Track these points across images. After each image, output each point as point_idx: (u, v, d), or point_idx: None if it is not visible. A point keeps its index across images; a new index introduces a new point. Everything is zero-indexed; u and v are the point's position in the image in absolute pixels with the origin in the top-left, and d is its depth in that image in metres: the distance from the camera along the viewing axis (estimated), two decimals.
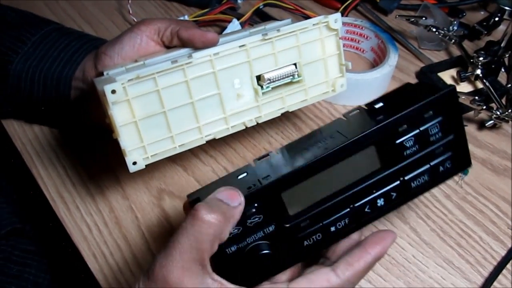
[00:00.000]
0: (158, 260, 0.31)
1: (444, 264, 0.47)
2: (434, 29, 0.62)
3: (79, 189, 0.52)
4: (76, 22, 0.72)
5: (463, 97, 0.54)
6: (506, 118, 0.54)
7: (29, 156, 0.55)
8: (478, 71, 0.59)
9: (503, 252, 0.47)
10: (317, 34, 0.42)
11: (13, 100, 0.51)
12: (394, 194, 0.37)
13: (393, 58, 0.59)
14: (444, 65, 0.63)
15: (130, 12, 0.67)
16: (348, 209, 0.36)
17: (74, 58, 0.48)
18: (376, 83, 0.58)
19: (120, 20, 0.72)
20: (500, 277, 0.45)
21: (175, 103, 0.38)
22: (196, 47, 0.43)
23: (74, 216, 0.50)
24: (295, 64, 0.42)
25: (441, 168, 0.38)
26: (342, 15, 0.69)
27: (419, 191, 0.38)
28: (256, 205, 0.33)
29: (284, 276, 0.36)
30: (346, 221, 0.36)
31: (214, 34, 0.43)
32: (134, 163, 0.37)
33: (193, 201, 0.34)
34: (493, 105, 0.55)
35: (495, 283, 0.45)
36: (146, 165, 0.38)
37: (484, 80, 0.57)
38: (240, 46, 0.39)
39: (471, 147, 0.56)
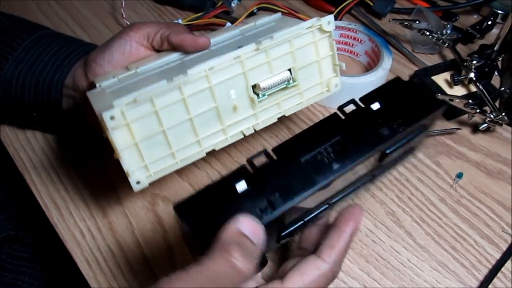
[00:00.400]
0: (166, 285, 0.27)
1: (439, 267, 0.47)
2: (427, 33, 0.62)
3: (72, 194, 0.51)
4: (69, 25, 0.71)
5: (457, 100, 0.54)
6: (500, 121, 0.54)
7: (21, 161, 0.54)
8: (472, 75, 0.59)
9: (497, 256, 0.47)
10: (310, 38, 0.42)
11: (5, 106, 0.50)
12: (362, 186, 0.39)
13: (387, 62, 0.59)
14: (438, 69, 0.64)
15: (124, 15, 0.67)
16: (327, 205, 0.37)
17: (65, 63, 0.48)
18: (370, 87, 0.57)
19: (113, 23, 0.72)
20: (495, 280, 0.45)
21: (174, 121, 0.38)
22: (187, 52, 0.43)
23: (68, 222, 0.49)
24: (289, 70, 0.42)
25: (402, 159, 0.40)
26: (336, 19, 0.69)
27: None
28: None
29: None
30: (320, 212, 0.37)
31: (205, 39, 0.43)
32: (138, 182, 0.37)
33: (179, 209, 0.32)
34: (486, 108, 0.55)
35: (490, 286, 0.45)
36: (149, 183, 0.38)
37: (478, 84, 0.57)
38: (234, 58, 0.39)
39: (465, 150, 0.56)
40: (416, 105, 0.36)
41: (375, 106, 0.36)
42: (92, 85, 0.44)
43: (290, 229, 0.36)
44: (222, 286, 0.27)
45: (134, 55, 0.45)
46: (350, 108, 0.36)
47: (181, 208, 0.32)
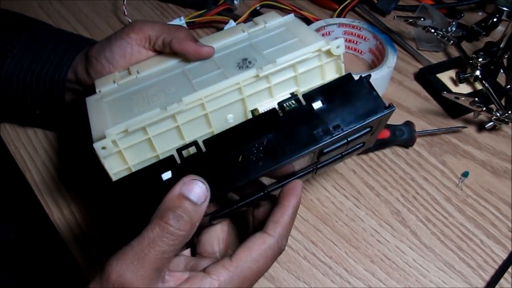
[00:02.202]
0: (114, 262, 0.30)
1: (445, 268, 0.46)
2: (432, 30, 0.62)
3: (74, 194, 0.51)
4: (71, 24, 0.71)
5: (462, 98, 0.53)
6: (506, 120, 0.54)
7: (22, 160, 0.54)
8: (477, 72, 0.58)
9: (504, 255, 0.47)
10: (316, 62, 0.39)
11: (6, 104, 0.50)
12: (304, 178, 0.39)
13: (391, 60, 0.58)
14: (443, 67, 0.63)
15: (126, 13, 0.67)
16: (262, 193, 0.37)
17: (64, 60, 0.47)
18: (374, 85, 0.57)
19: (115, 21, 0.72)
20: (501, 280, 0.45)
21: (168, 147, 0.37)
22: (189, 60, 0.42)
23: (69, 221, 0.49)
24: (291, 93, 0.40)
25: (348, 156, 0.40)
26: (340, 16, 0.68)
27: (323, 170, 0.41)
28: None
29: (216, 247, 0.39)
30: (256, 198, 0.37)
31: (209, 49, 0.41)
32: None
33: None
34: (492, 106, 0.55)
35: (496, 287, 0.44)
36: None
37: (483, 81, 0.57)
38: (232, 85, 0.37)
39: (471, 149, 0.55)
40: (360, 107, 0.35)
41: (317, 105, 0.35)
42: (92, 85, 0.44)
43: (219, 214, 0.36)
44: (160, 249, 0.29)
45: (135, 57, 0.44)
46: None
47: (114, 190, 0.34)
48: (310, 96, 0.35)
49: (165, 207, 0.30)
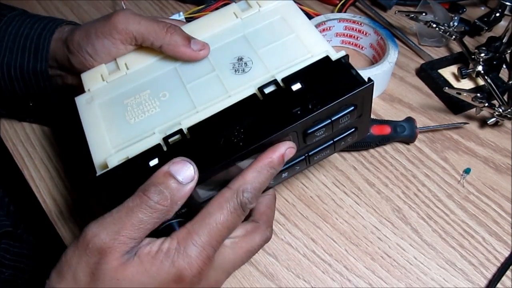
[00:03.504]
0: (92, 225, 0.31)
1: (447, 265, 0.45)
2: (434, 25, 0.61)
3: (72, 191, 0.51)
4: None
5: (464, 94, 0.53)
6: (509, 116, 0.53)
7: (20, 157, 0.54)
8: (480, 68, 0.57)
9: (506, 253, 0.46)
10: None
11: (1, 99, 0.49)
12: (298, 167, 0.39)
13: (392, 55, 0.57)
14: (445, 62, 0.62)
15: (124, 8, 0.66)
16: None
17: (41, 46, 0.46)
18: (376, 81, 0.56)
19: None
20: (504, 278, 0.44)
21: None
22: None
23: (67, 218, 0.49)
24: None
25: (342, 143, 0.39)
26: (340, 11, 0.68)
27: (318, 160, 0.40)
28: None
29: None
30: None
31: (204, 51, 0.40)
32: None
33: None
34: (495, 102, 0.54)
35: (498, 285, 0.44)
36: None
37: (486, 77, 0.56)
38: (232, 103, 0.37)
39: (472, 145, 0.55)
40: (338, 85, 0.35)
41: (296, 86, 0.36)
42: (77, 73, 0.43)
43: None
44: (136, 219, 0.30)
45: (122, 52, 0.42)
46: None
47: (102, 179, 0.35)
48: (289, 79, 0.36)
49: (150, 182, 0.31)
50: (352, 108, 0.36)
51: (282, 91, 0.36)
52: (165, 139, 0.35)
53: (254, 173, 0.34)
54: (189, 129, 0.36)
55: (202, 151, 0.34)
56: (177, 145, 0.35)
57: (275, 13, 0.42)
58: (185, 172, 0.32)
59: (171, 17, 0.66)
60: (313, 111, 0.34)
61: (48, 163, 0.53)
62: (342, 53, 0.37)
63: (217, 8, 0.67)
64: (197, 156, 0.33)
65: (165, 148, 0.35)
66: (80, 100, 0.41)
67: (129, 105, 0.39)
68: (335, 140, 0.39)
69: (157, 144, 0.35)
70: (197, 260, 0.31)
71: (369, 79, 0.35)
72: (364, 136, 0.42)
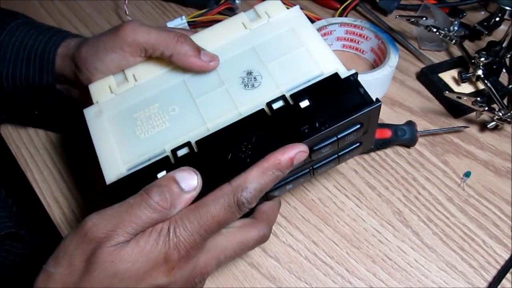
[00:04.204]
0: (93, 215, 0.32)
1: (447, 268, 0.46)
2: (434, 29, 0.61)
3: (75, 193, 0.51)
4: (72, 23, 0.71)
5: (465, 98, 0.53)
6: (508, 119, 0.53)
7: (23, 159, 0.54)
8: (480, 72, 0.58)
9: (506, 256, 0.47)
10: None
11: (6, 107, 0.50)
12: (302, 179, 0.39)
13: (393, 59, 0.58)
14: (445, 66, 0.63)
15: (127, 12, 0.66)
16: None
17: (46, 58, 0.45)
18: (376, 84, 0.57)
19: (117, 20, 0.71)
20: (504, 281, 0.45)
21: None
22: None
23: (70, 221, 0.49)
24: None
25: (346, 156, 0.40)
26: (342, 15, 0.68)
27: (322, 172, 0.41)
28: None
29: None
30: None
31: (214, 63, 0.40)
32: None
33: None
34: (495, 106, 0.54)
35: (498, 287, 0.44)
36: None
37: (486, 81, 0.56)
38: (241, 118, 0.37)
39: (473, 149, 0.55)
40: (346, 104, 0.35)
41: (304, 103, 0.36)
42: (85, 89, 0.42)
43: None
44: (135, 215, 0.31)
45: (131, 65, 0.42)
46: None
47: (110, 190, 0.36)
48: (298, 95, 0.36)
49: (154, 184, 0.33)
50: (359, 126, 0.36)
51: (290, 108, 0.36)
52: (173, 151, 0.36)
53: (258, 173, 0.33)
54: (197, 142, 0.36)
55: (209, 165, 0.35)
56: (184, 158, 0.36)
57: (284, 24, 0.42)
58: (189, 180, 0.33)
59: (173, 21, 0.67)
60: (320, 130, 0.34)
61: (51, 166, 0.53)
62: (352, 71, 0.37)
63: (219, 12, 0.67)
64: (204, 170, 0.34)
65: (173, 161, 0.36)
66: (88, 113, 0.40)
67: (139, 119, 0.39)
68: (339, 154, 0.39)
69: (166, 156, 0.36)
70: (185, 243, 0.32)
71: (377, 100, 0.35)
72: (368, 149, 0.42)
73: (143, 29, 0.41)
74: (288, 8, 0.43)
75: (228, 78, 0.40)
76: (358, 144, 0.39)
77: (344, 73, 0.37)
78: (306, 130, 0.35)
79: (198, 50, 0.40)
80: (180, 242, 0.32)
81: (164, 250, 0.31)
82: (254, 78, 0.39)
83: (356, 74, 0.37)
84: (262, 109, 0.36)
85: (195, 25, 0.68)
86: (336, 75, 0.37)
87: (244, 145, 0.35)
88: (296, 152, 0.34)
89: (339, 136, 0.36)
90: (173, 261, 0.32)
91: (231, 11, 0.69)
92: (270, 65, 0.40)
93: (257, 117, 0.36)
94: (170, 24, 0.66)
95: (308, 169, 0.39)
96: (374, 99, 0.35)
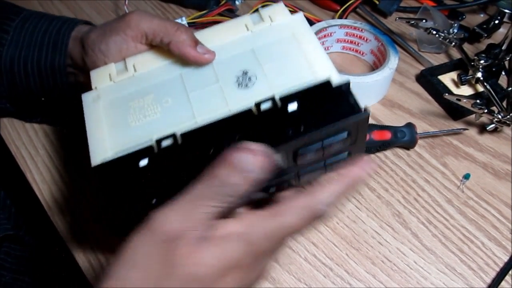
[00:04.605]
0: (159, 217, 0.30)
1: (446, 270, 0.46)
2: (434, 32, 0.61)
3: (75, 194, 0.51)
4: None
5: (464, 100, 0.53)
6: (508, 122, 0.54)
7: (23, 160, 0.54)
8: (479, 74, 0.58)
9: (505, 258, 0.47)
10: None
11: (12, 94, 0.50)
12: (287, 184, 0.39)
13: (393, 61, 0.58)
14: (445, 68, 0.63)
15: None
16: None
17: (59, 43, 0.47)
18: (376, 86, 0.58)
19: None
20: (503, 283, 0.45)
21: None
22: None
23: (70, 221, 0.49)
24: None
25: (334, 166, 0.39)
26: (341, 17, 0.68)
27: (309, 179, 0.40)
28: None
29: None
30: None
31: (209, 56, 0.40)
32: None
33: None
34: (494, 108, 0.55)
35: None
36: None
37: (485, 83, 0.57)
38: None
39: (472, 151, 0.55)
40: (333, 111, 0.35)
41: (292, 107, 0.36)
42: (87, 71, 0.44)
43: None
44: (204, 205, 0.30)
45: (132, 51, 0.43)
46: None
47: (95, 171, 0.36)
48: (287, 98, 0.36)
49: (216, 168, 0.31)
50: (346, 135, 0.36)
51: (277, 110, 0.36)
52: (158, 141, 0.36)
53: (340, 188, 0.32)
54: (182, 135, 0.36)
55: (190, 158, 0.35)
56: (168, 149, 0.36)
57: (286, 29, 0.42)
58: (253, 161, 0.31)
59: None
60: (304, 133, 0.34)
61: (50, 166, 0.53)
62: (345, 80, 0.37)
63: (219, 13, 0.68)
64: (185, 163, 0.34)
65: (156, 150, 0.36)
66: (86, 97, 0.41)
67: (132, 108, 0.40)
68: (326, 162, 0.39)
69: (149, 146, 0.36)
70: (259, 250, 0.31)
71: (365, 109, 0.35)
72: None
73: (147, 16, 0.43)
74: (292, 14, 0.43)
75: (224, 76, 0.40)
76: (346, 153, 0.39)
77: (337, 81, 0.37)
78: (290, 132, 0.34)
79: (196, 42, 0.41)
80: (254, 248, 0.31)
81: (239, 255, 0.30)
82: (249, 78, 0.40)
83: (348, 83, 0.37)
84: (250, 109, 0.37)
85: (195, 27, 0.68)
86: (327, 82, 0.37)
87: (227, 142, 0.34)
88: (370, 167, 0.33)
89: (324, 143, 0.35)
90: (245, 266, 0.31)
91: (231, 13, 0.69)
92: (266, 67, 0.40)
93: (244, 116, 0.36)
94: None
95: (293, 175, 0.39)
96: (363, 109, 0.35)
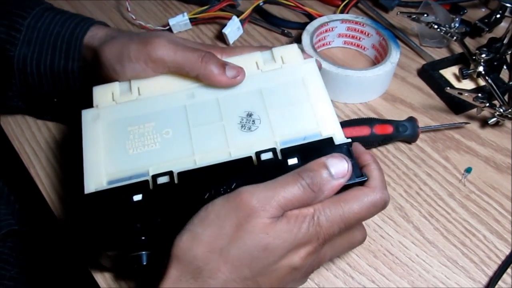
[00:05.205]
0: (247, 190, 0.33)
1: (448, 263, 0.46)
2: (435, 26, 0.61)
3: (78, 189, 0.51)
4: None
5: (466, 94, 0.53)
6: (509, 116, 0.54)
7: (26, 155, 0.54)
8: (480, 68, 0.58)
9: (507, 251, 0.47)
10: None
11: (24, 93, 0.50)
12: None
13: (394, 56, 0.58)
14: (446, 63, 0.63)
15: (129, 9, 0.67)
16: None
17: (72, 47, 0.46)
18: (378, 81, 0.58)
19: (118, 17, 0.72)
20: (504, 276, 0.45)
21: None
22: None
23: (73, 217, 0.49)
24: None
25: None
26: (343, 12, 0.68)
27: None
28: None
29: None
30: None
31: (241, 77, 0.41)
32: None
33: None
34: (495, 102, 0.55)
35: (499, 282, 0.45)
36: None
37: (487, 77, 0.57)
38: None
39: (474, 145, 0.55)
40: None
41: (292, 161, 0.36)
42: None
43: None
44: (289, 192, 0.33)
45: (148, 77, 0.43)
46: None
47: (87, 200, 0.36)
48: (288, 152, 0.37)
49: (306, 167, 0.34)
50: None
51: (278, 162, 0.36)
52: (154, 177, 0.36)
53: (379, 171, 0.37)
54: (179, 174, 0.36)
55: (184, 200, 0.35)
56: (163, 187, 0.36)
57: (296, 73, 0.42)
58: (339, 167, 0.34)
59: (174, 18, 0.67)
60: None
61: (54, 162, 0.53)
62: (347, 140, 0.37)
63: (221, 9, 0.67)
64: (178, 204, 0.35)
65: (151, 187, 0.36)
66: (86, 115, 0.41)
67: (132, 134, 0.40)
68: None
69: (145, 180, 0.36)
70: (325, 232, 0.34)
71: (363, 175, 0.36)
72: None
73: (170, 47, 0.42)
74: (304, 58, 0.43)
75: (228, 114, 0.40)
76: None
77: (340, 139, 0.37)
78: None
79: (223, 66, 0.41)
80: (321, 230, 0.33)
81: (307, 235, 0.33)
82: (253, 121, 0.40)
83: (350, 143, 0.37)
84: (250, 157, 0.37)
85: (196, 22, 0.69)
86: (330, 139, 0.37)
87: (224, 189, 0.35)
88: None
89: None
90: (310, 247, 0.34)
91: (232, 8, 0.69)
92: (271, 112, 0.40)
93: (243, 163, 0.36)
94: (172, 21, 0.66)
95: None
96: (361, 174, 0.36)
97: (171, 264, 0.32)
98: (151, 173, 0.37)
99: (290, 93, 0.41)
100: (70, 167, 0.53)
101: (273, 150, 0.37)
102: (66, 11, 0.51)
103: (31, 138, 0.55)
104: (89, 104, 0.43)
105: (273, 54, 0.43)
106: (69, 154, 0.54)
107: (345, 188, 0.35)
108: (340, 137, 0.38)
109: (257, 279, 0.33)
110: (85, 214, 0.35)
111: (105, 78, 0.44)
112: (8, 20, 0.47)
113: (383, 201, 0.35)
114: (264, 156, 0.36)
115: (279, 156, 0.36)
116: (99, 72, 0.44)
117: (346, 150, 0.37)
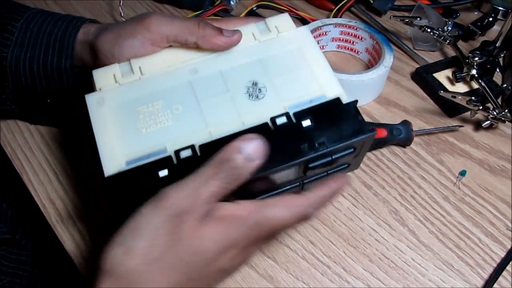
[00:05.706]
0: (169, 192, 0.32)
1: (444, 266, 0.46)
2: (428, 30, 0.62)
3: (71, 195, 0.51)
4: None
5: (459, 97, 0.53)
6: (503, 118, 0.54)
7: (19, 161, 0.54)
8: (474, 71, 0.58)
9: (502, 254, 0.47)
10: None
11: (17, 95, 0.49)
12: (291, 191, 0.40)
13: (388, 59, 0.58)
14: (439, 66, 0.63)
15: (122, 14, 0.66)
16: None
17: (65, 44, 0.46)
18: (371, 84, 0.58)
19: (111, 22, 0.71)
20: (500, 278, 0.45)
21: None
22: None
23: (67, 223, 0.49)
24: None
25: (334, 173, 0.41)
26: (336, 16, 0.69)
27: (310, 186, 0.41)
28: None
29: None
30: None
31: (238, 36, 0.41)
32: None
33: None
34: (489, 105, 0.55)
35: (495, 285, 0.45)
36: None
37: (480, 80, 0.57)
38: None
39: (468, 148, 0.55)
40: (345, 129, 0.37)
41: (306, 123, 0.37)
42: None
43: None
44: (211, 184, 0.32)
45: (146, 54, 0.42)
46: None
47: (109, 183, 0.35)
48: (301, 114, 0.37)
49: (220, 155, 0.33)
50: (352, 150, 0.37)
51: (292, 125, 0.37)
52: (177, 152, 0.36)
53: (328, 193, 0.35)
54: (201, 146, 0.36)
55: None
56: (187, 161, 0.36)
57: (292, 42, 0.42)
58: (252, 149, 0.33)
59: None
60: (319, 150, 0.36)
61: (46, 167, 0.53)
62: (353, 99, 0.38)
63: (214, 14, 0.68)
64: None
65: (175, 162, 0.36)
66: (90, 100, 0.40)
67: (141, 113, 0.39)
68: (328, 172, 0.40)
69: (168, 156, 0.36)
70: (252, 235, 0.33)
71: (373, 129, 0.37)
72: (354, 170, 0.45)
73: (167, 19, 0.42)
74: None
75: (234, 86, 0.40)
76: (346, 165, 0.41)
77: (345, 99, 0.38)
78: (306, 148, 0.36)
79: (220, 29, 0.41)
80: (249, 233, 0.33)
81: (238, 236, 0.33)
82: (259, 89, 0.40)
83: (356, 101, 0.38)
84: (266, 123, 0.37)
85: None
86: (338, 100, 0.38)
87: None
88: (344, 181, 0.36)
89: (333, 157, 0.37)
90: (238, 249, 0.33)
91: (226, 12, 0.69)
92: (275, 80, 0.40)
93: (261, 130, 0.37)
94: None
95: (299, 183, 0.40)
96: (370, 128, 0.37)
97: (102, 279, 0.31)
98: (168, 149, 0.37)
99: (290, 60, 0.42)
100: (64, 172, 0.53)
101: (287, 114, 0.37)
102: (58, 13, 0.50)
103: (23, 143, 0.55)
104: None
105: (268, 25, 0.44)
106: (62, 159, 0.54)
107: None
108: (345, 97, 0.39)
109: (192, 283, 0.33)
110: (111, 196, 0.35)
111: (104, 65, 0.43)
112: (1, 23, 0.47)
113: (308, 216, 0.35)
114: (279, 121, 0.37)
115: (293, 120, 0.37)
116: (97, 64, 0.43)
117: (353, 107, 0.38)
